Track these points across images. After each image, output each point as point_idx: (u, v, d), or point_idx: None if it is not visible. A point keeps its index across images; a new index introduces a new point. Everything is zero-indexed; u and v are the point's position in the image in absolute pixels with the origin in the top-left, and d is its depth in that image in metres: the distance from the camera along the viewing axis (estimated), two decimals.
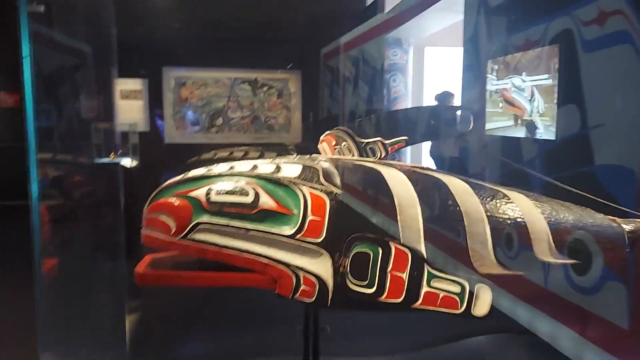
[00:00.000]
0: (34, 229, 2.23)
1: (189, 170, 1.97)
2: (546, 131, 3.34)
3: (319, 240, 1.74)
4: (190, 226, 1.77)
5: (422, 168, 1.99)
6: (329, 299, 1.76)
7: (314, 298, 1.76)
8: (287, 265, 1.76)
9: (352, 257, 1.74)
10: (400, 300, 1.73)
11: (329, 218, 1.75)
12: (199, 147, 7.02)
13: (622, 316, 2.17)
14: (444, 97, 5.49)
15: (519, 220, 1.81)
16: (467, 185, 1.89)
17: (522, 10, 3.61)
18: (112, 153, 4.95)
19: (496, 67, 3.90)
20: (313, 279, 1.75)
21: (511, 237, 2.69)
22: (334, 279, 1.75)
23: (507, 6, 3.80)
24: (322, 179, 1.79)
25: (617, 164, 2.59)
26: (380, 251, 1.73)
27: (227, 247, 1.77)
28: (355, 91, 6.99)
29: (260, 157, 3.51)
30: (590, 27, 2.89)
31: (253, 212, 1.76)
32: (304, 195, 1.76)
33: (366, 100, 6.72)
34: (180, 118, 7.33)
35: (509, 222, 1.81)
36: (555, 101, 3.20)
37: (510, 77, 3.67)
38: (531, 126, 3.48)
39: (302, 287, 1.76)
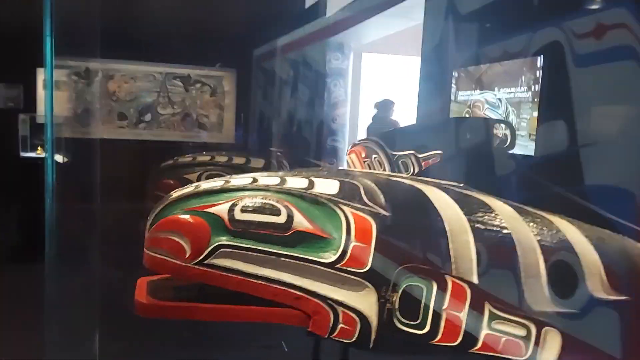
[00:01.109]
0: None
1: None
2: (521, 148, 3.14)
3: (363, 270, 1.44)
4: (209, 249, 1.42)
5: (457, 186, 1.73)
6: (372, 339, 1.46)
7: (354, 338, 1.46)
8: (324, 299, 1.45)
9: (402, 291, 1.45)
10: (456, 343, 1.46)
11: (375, 245, 1.45)
12: (130, 144, 6.54)
13: (613, 344, 1.96)
14: (385, 105, 5.34)
15: (571, 251, 1.60)
16: (512, 209, 1.66)
17: (500, 19, 3.43)
18: (39, 147, 4.39)
19: (463, 77, 3.73)
20: (354, 315, 1.45)
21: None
22: (378, 316, 1.46)
23: (480, 14, 3.62)
24: (364, 198, 1.49)
25: (611, 184, 2.41)
26: (435, 286, 1.46)
27: (253, 276, 1.43)
28: (294, 94, 6.71)
29: (247, 163, 3.15)
30: (585, 41, 2.72)
31: (286, 235, 1.44)
32: (345, 217, 1.45)
33: (306, 104, 6.46)
34: (107, 112, 6.77)
35: (562, 252, 1.59)
36: (534, 116, 3.01)
37: (482, 92, 3.50)
38: (503, 143, 3.30)
39: (341, 325, 1.45)
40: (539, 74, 3.03)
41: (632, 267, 1.72)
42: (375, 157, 1.79)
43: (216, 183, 1.53)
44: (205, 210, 1.45)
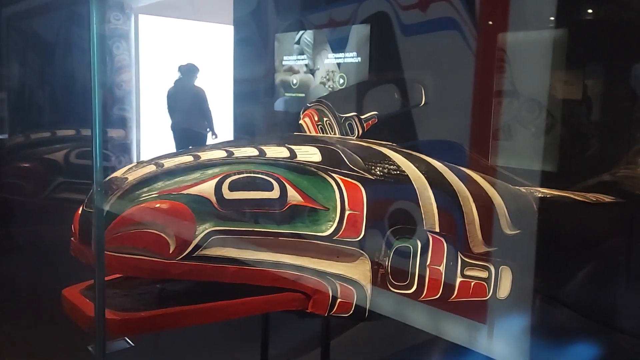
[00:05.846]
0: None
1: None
2: None
3: (358, 238, 1.22)
4: (198, 239, 1.04)
5: (392, 145, 1.56)
6: (367, 309, 1.25)
7: (351, 311, 1.23)
8: (323, 274, 1.18)
9: (392, 254, 1.26)
10: (437, 296, 1.33)
11: (366, 211, 1.22)
12: None
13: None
14: (189, 69, 4.81)
15: (485, 195, 1.58)
16: (441, 164, 1.57)
17: None
18: None
19: (286, 43, 3.51)
20: (350, 287, 1.22)
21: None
22: (372, 284, 1.24)
23: None
24: (348, 163, 1.25)
25: (440, 139, 2.43)
26: (419, 244, 1.30)
27: (250, 262, 1.09)
28: (68, 59, 5.65)
29: (125, 138, 2.45)
30: (410, 12, 2.71)
31: (281, 211, 1.12)
32: (338, 185, 1.20)
33: (86, 67, 5.47)
34: None
35: (483, 198, 1.56)
36: (365, 80, 2.96)
37: (307, 58, 3.33)
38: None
39: (339, 299, 1.21)
40: (367, 41, 2.96)
41: (520, 207, 1.75)
42: (326, 120, 1.52)
43: (183, 158, 1.13)
44: (184, 192, 1.05)
